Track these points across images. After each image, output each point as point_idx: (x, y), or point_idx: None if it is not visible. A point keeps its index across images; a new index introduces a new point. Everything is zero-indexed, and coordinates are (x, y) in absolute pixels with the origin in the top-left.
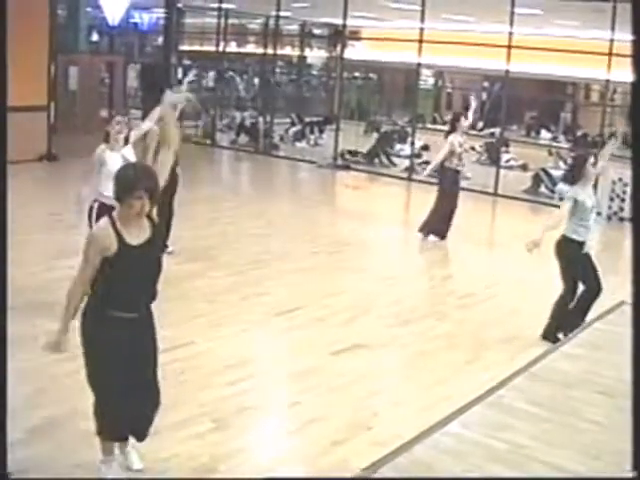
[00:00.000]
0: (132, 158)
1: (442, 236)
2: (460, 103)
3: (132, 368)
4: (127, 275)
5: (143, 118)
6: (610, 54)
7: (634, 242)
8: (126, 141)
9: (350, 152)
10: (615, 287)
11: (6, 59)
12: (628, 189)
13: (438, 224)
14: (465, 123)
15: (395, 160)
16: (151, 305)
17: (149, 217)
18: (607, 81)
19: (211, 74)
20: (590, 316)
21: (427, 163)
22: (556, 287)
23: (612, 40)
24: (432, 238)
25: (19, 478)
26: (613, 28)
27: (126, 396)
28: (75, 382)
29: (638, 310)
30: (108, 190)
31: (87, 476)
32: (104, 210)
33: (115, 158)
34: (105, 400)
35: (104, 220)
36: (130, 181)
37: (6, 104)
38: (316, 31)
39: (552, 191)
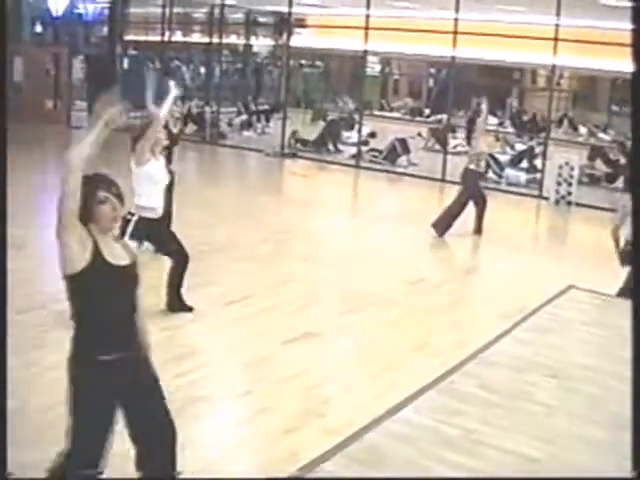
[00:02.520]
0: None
1: (440, 233)
2: (407, 90)
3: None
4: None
5: (89, 110)
6: (556, 39)
7: (634, 241)
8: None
9: (298, 140)
10: (564, 271)
11: (5, 59)
12: (575, 173)
13: (446, 221)
14: (481, 123)
15: (342, 147)
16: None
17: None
18: (553, 66)
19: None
20: (539, 301)
21: (375, 150)
22: (503, 274)
23: (557, 25)
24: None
25: (19, 478)
26: (558, 13)
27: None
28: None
29: (638, 309)
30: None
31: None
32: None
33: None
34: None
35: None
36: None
37: (6, 101)
38: (262, 19)
39: (500, 176)
